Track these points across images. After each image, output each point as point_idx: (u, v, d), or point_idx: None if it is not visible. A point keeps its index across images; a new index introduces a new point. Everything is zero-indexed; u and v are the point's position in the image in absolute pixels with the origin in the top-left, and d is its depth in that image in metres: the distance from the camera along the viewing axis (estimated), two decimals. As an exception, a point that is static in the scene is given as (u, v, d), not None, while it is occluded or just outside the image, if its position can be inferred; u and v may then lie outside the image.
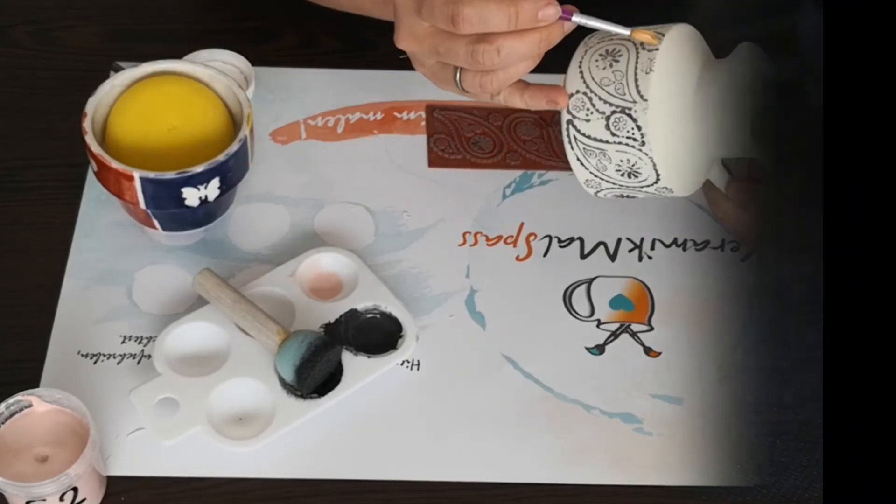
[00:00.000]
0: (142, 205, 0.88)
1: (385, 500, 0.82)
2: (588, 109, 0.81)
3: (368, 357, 0.86)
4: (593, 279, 0.93)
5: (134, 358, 0.87)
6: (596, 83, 0.81)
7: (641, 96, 0.79)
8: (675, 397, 0.87)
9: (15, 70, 1.05)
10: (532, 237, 0.95)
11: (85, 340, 0.88)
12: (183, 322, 0.86)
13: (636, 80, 0.79)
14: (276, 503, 0.81)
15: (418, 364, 0.88)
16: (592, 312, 0.91)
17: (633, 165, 0.81)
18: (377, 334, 0.88)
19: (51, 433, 0.79)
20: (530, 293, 0.92)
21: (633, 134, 0.80)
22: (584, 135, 0.82)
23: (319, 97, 1.03)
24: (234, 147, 0.88)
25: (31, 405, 0.79)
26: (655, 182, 0.82)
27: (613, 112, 0.80)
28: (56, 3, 1.09)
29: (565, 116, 0.82)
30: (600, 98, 0.80)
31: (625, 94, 0.80)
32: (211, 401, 0.83)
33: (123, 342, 0.88)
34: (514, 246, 0.95)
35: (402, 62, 0.87)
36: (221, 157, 0.88)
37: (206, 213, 0.92)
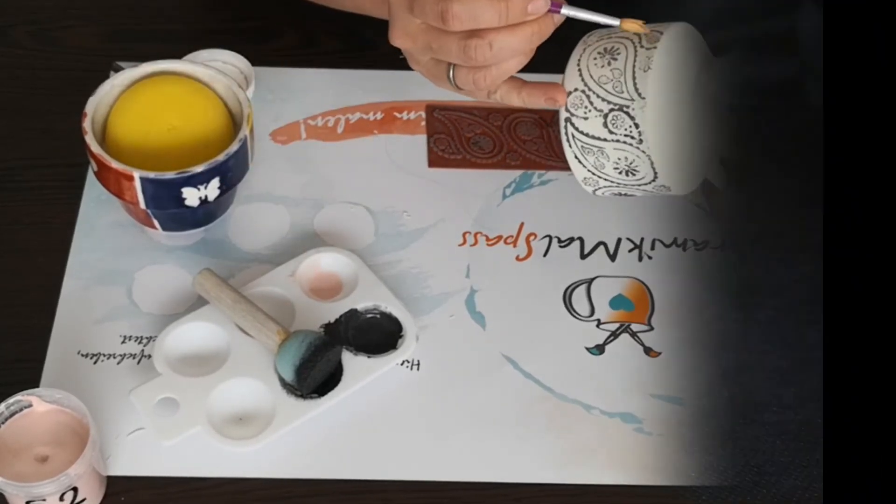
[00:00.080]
0: (142, 205, 0.88)
1: (385, 499, 0.82)
2: (586, 107, 0.81)
3: (368, 357, 0.86)
4: (593, 279, 0.93)
5: (134, 358, 0.87)
6: (594, 81, 0.81)
7: (639, 94, 0.79)
8: (675, 397, 0.87)
9: (15, 70, 1.05)
10: (532, 237, 0.95)
11: (85, 340, 0.88)
12: (183, 322, 0.86)
13: (634, 77, 0.79)
14: (276, 503, 0.81)
15: (418, 364, 0.88)
16: (592, 312, 0.91)
17: (630, 163, 0.81)
18: (377, 334, 0.88)
19: (51, 433, 0.79)
20: (530, 293, 0.92)
21: (630, 132, 0.80)
22: (582, 133, 0.82)
23: (319, 97, 1.03)
24: (234, 147, 0.88)
25: (31, 405, 0.79)
26: (653, 180, 0.82)
27: (611, 110, 0.80)
28: (56, 3, 1.09)
29: (563, 114, 0.82)
30: (598, 96, 0.80)
31: (623, 92, 0.80)
32: (211, 401, 0.83)
33: (123, 342, 0.88)
34: (514, 246, 0.95)
35: (401, 62, 0.87)
36: (221, 157, 0.88)
37: (206, 213, 0.92)
